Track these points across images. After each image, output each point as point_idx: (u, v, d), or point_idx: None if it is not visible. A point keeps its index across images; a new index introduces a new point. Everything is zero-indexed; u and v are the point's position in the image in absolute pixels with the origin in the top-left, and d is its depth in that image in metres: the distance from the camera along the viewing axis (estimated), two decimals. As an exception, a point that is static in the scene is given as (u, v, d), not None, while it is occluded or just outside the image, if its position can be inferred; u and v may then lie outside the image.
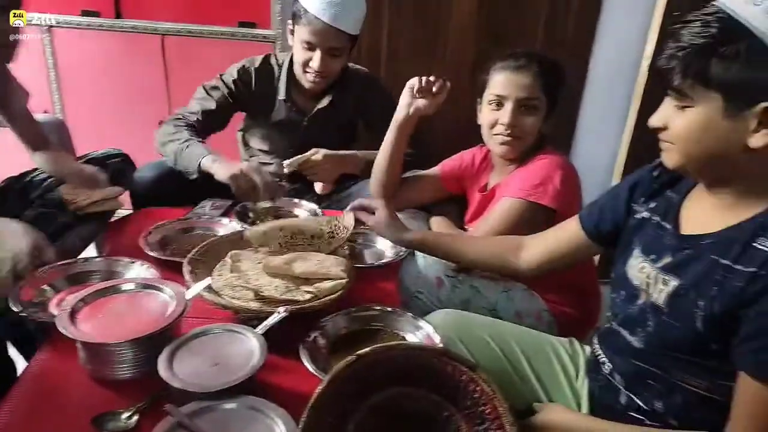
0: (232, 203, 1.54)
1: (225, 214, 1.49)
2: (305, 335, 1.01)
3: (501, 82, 1.38)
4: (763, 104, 0.74)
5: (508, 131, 1.38)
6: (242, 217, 1.46)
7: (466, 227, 1.58)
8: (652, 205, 0.98)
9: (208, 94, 1.74)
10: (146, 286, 1.01)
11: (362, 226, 1.34)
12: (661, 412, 0.89)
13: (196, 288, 1.01)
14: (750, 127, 0.76)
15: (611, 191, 1.08)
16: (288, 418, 0.77)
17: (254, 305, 1.02)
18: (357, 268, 1.22)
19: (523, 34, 2.28)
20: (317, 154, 1.67)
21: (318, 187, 1.77)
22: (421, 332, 1.06)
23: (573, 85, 2.28)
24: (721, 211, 0.85)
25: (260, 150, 1.89)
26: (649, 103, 2.24)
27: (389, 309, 1.11)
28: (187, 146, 1.57)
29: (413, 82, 1.44)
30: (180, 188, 1.57)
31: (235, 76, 1.75)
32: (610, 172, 2.46)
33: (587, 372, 1.09)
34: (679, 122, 0.81)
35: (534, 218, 1.33)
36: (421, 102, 1.45)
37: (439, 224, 1.59)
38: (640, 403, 0.93)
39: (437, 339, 1.03)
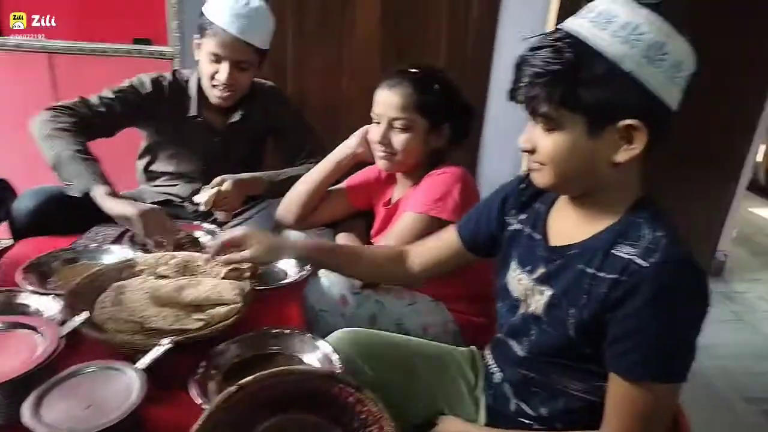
0: (125, 230, 1.46)
1: (117, 242, 1.41)
2: (197, 365, 0.96)
3: (377, 100, 1.41)
4: (624, 122, 0.77)
5: (382, 148, 1.41)
6: (136, 244, 1.38)
7: (372, 241, 1.58)
8: (522, 216, 1.01)
9: (114, 95, 1.64)
10: (15, 325, 0.93)
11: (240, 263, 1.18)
12: (546, 416, 0.92)
13: (72, 323, 0.94)
14: (614, 143, 0.79)
15: (484, 203, 1.11)
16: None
17: (138, 338, 0.97)
18: (257, 290, 1.18)
19: (427, 49, 2.33)
20: (225, 183, 1.60)
21: (221, 215, 1.71)
22: (320, 353, 1.04)
23: (475, 103, 2.34)
24: (585, 222, 0.88)
25: (165, 173, 1.80)
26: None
27: (287, 331, 1.08)
28: (75, 160, 1.42)
29: (366, 131, 1.47)
30: (66, 216, 1.46)
31: (149, 86, 1.67)
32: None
33: (483, 381, 1.11)
34: (546, 144, 0.83)
35: (434, 232, 1.34)
36: (367, 150, 1.48)
37: (344, 240, 1.57)
38: (528, 410, 0.95)
39: (335, 358, 1.01)
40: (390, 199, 1.55)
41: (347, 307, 1.36)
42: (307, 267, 1.36)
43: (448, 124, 1.42)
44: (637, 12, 0.76)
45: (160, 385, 0.87)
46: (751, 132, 2.63)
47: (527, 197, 1.02)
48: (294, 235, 1.54)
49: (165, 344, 0.91)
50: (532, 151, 0.86)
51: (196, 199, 1.60)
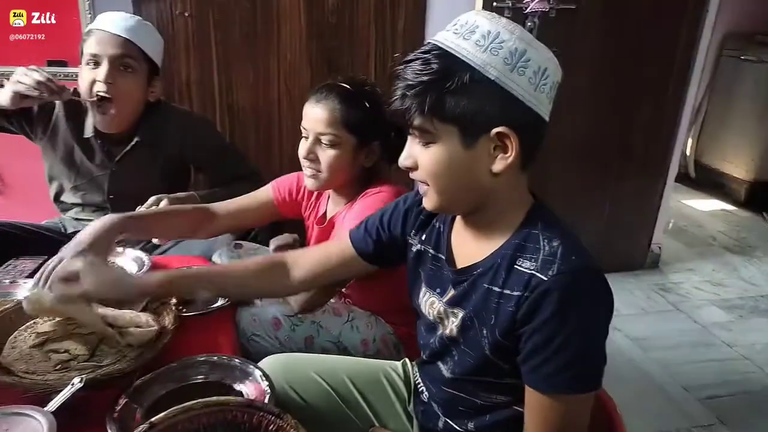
0: (42, 261, 1.38)
1: (33, 275, 1.33)
2: (115, 402, 0.91)
3: (305, 114, 1.36)
4: (495, 130, 0.78)
5: (308, 164, 1.36)
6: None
7: None
8: (423, 236, 1.01)
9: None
10: None
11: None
12: (473, 430, 0.91)
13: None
14: (489, 153, 0.80)
15: (382, 213, 1.08)
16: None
17: (51, 377, 0.91)
18: (183, 317, 1.14)
19: (357, 63, 2.33)
20: (162, 202, 1.50)
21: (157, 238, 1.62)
22: (251, 379, 1.00)
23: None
24: (483, 239, 0.88)
25: (75, 204, 1.72)
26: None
27: (214, 358, 1.04)
28: None
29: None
30: None
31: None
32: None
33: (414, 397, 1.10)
34: (425, 159, 0.83)
35: None
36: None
37: (277, 243, 1.50)
38: (456, 427, 0.95)
39: (265, 385, 0.98)
40: (324, 215, 1.50)
41: (281, 330, 1.33)
42: None
43: (378, 142, 1.37)
44: (497, 22, 0.78)
45: (75, 427, 0.82)
46: (674, 125, 2.74)
47: (426, 216, 1.01)
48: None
49: (76, 383, 0.86)
50: (414, 168, 0.85)
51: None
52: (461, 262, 0.91)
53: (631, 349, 2.30)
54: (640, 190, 2.82)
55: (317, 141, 1.34)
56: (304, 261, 1.10)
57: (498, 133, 0.78)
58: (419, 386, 1.04)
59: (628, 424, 0.98)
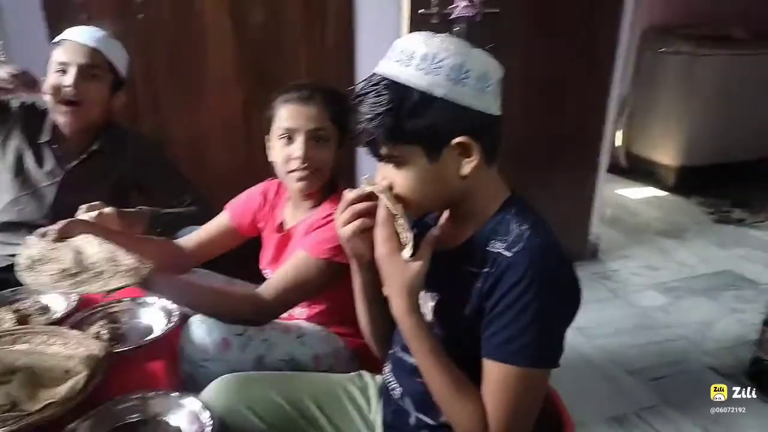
0: None
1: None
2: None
3: (289, 114, 1.33)
4: (455, 140, 0.85)
5: (305, 164, 1.32)
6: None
7: (264, 271, 1.50)
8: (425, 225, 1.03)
9: None
10: None
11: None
12: (447, 423, 0.91)
13: None
14: (455, 160, 0.86)
15: None
16: None
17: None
18: (117, 352, 1.10)
19: (288, 75, 2.30)
20: (107, 209, 1.44)
21: None
22: (187, 411, 0.98)
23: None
24: (459, 226, 0.94)
25: (5, 224, 1.62)
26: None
27: (149, 394, 1.01)
28: None
29: None
30: None
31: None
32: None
33: (380, 400, 1.11)
34: (399, 180, 0.89)
35: (330, 272, 1.29)
36: None
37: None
38: (429, 420, 0.96)
39: (204, 416, 0.95)
40: (282, 224, 1.47)
41: (229, 351, 1.29)
42: (175, 317, 1.28)
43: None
44: (431, 42, 0.84)
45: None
46: (602, 118, 2.83)
47: None
48: None
49: (-4, 436, 0.81)
50: (390, 188, 0.90)
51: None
52: (438, 248, 0.94)
53: (575, 337, 2.34)
54: (574, 184, 2.90)
55: (309, 137, 1.32)
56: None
57: (458, 143, 0.85)
58: (390, 384, 1.04)
59: (577, 413, 1.02)
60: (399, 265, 0.88)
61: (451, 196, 0.91)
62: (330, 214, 1.30)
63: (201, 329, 1.29)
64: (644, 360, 2.24)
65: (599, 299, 2.69)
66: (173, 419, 0.98)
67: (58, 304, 1.33)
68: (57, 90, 1.54)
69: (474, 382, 0.88)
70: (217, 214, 1.57)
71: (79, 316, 1.26)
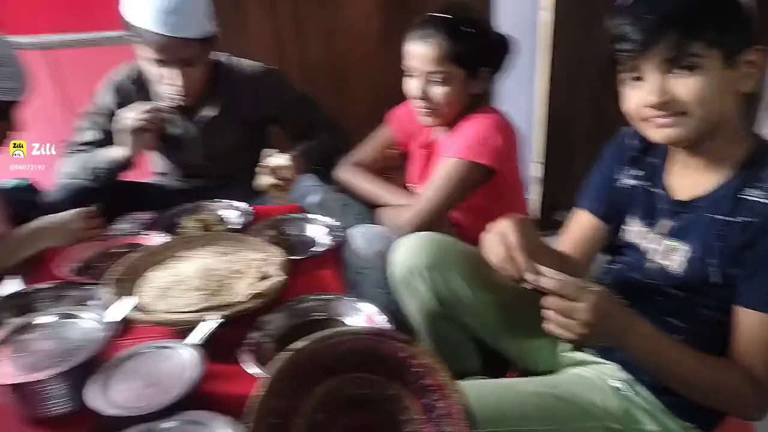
0: (151, 217, 1.47)
1: (149, 229, 1.42)
2: (245, 338, 0.98)
3: (409, 53, 1.35)
4: (756, 47, 0.80)
5: (422, 104, 1.36)
6: (169, 230, 1.39)
7: (410, 185, 1.55)
8: (637, 173, 1.01)
9: (89, 122, 1.60)
10: (67, 315, 0.96)
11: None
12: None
13: (122, 309, 0.96)
14: (744, 72, 0.82)
15: (597, 170, 1.09)
16: (235, 426, 0.75)
17: (189, 316, 0.98)
18: (293, 260, 1.19)
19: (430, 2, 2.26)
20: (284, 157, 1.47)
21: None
22: (362, 315, 1.05)
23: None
24: (705, 170, 0.90)
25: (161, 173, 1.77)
26: (557, 55, 2.27)
27: (327, 297, 1.10)
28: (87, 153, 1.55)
29: None
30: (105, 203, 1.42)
31: (110, 99, 1.59)
32: (529, 128, 2.45)
33: None
34: (689, 88, 0.81)
35: (474, 177, 1.34)
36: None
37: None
38: None
39: (379, 318, 1.02)
40: (428, 140, 1.51)
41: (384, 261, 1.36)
42: (337, 231, 1.36)
43: (486, 66, 1.38)
44: None
45: (213, 360, 0.89)
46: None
47: (638, 151, 1.02)
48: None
49: (217, 319, 0.93)
50: (665, 103, 0.82)
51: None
52: (681, 195, 0.92)
53: None
54: None
55: (427, 80, 1.34)
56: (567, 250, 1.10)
57: (757, 50, 0.81)
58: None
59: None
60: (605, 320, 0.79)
61: (723, 118, 0.84)
62: (465, 123, 1.36)
63: (361, 241, 1.37)
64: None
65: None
66: (349, 320, 1.06)
67: (234, 216, 1.46)
68: (162, 81, 1.51)
69: (708, 344, 0.87)
70: (356, 144, 1.62)
71: (254, 228, 1.38)
